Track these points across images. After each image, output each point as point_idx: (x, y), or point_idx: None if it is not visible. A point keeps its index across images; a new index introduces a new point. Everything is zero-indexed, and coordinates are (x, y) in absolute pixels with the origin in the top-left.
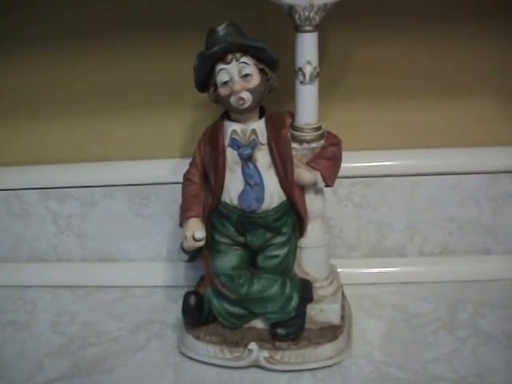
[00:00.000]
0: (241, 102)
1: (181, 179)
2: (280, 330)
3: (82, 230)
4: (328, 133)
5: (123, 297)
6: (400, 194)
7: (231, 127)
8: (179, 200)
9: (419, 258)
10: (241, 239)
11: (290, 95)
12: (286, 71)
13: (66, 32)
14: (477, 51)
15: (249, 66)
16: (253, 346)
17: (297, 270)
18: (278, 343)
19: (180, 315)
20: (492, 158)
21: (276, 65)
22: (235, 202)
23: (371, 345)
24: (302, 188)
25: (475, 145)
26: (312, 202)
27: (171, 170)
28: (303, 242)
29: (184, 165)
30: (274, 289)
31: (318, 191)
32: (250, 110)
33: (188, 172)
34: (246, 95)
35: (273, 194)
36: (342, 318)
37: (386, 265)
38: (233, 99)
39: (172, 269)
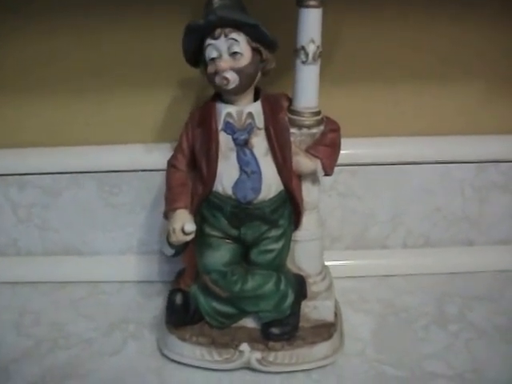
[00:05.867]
0: (225, 82)
1: (155, 166)
2: (274, 330)
3: (45, 221)
4: (327, 118)
5: (91, 293)
6: (386, 183)
7: (225, 110)
8: (153, 188)
9: (402, 250)
10: (234, 232)
11: (283, 76)
12: (281, 50)
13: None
14: (462, 37)
15: (238, 43)
16: (244, 346)
17: (289, 265)
18: (271, 343)
19: (156, 313)
20: (479, 146)
21: (273, 45)
22: (229, 191)
23: (363, 342)
24: (299, 177)
25: (462, 133)
26: (309, 192)
27: (145, 155)
28: (298, 234)
29: (159, 150)
30: (269, 286)
31: (315, 180)
32: (236, 92)
33: (173, 158)
34: (232, 75)
35: (270, 183)
36: (335, 314)
37: (368, 257)
38: (217, 78)
39: (144, 262)
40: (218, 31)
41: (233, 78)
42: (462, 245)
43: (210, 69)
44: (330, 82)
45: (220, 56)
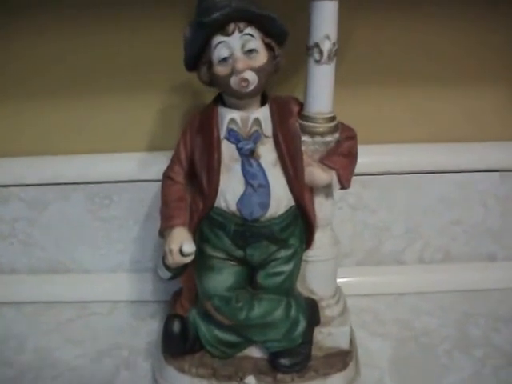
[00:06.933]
0: (243, 84)
1: (149, 176)
2: (283, 361)
3: (30, 237)
4: (342, 124)
5: (80, 315)
6: (400, 193)
7: (229, 115)
8: (147, 201)
9: (419, 266)
10: (239, 253)
11: (291, 78)
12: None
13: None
14: (482, 42)
15: (254, 39)
16: (250, 379)
17: (300, 288)
18: (280, 375)
19: (151, 338)
20: (503, 154)
21: (286, 39)
22: (233, 208)
23: (381, 370)
24: (311, 190)
25: (485, 139)
26: (322, 207)
27: (137, 165)
28: (310, 254)
29: (152, 159)
30: (278, 312)
31: (329, 194)
32: (253, 94)
33: (170, 169)
34: (251, 76)
35: (280, 198)
36: (350, 341)
37: (382, 273)
38: (234, 80)
39: (137, 281)
40: (231, 26)
41: (252, 79)
42: (484, 260)
43: (222, 70)
44: (338, 84)
45: (232, 55)
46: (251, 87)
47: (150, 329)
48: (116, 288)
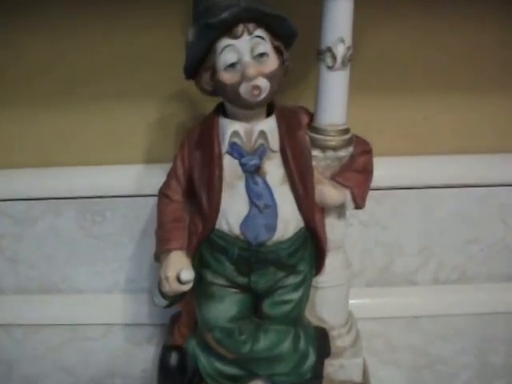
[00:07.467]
0: (255, 92)
1: (145, 190)
2: None
3: (18, 254)
4: (356, 137)
5: (72, 339)
6: (414, 209)
7: (231, 127)
8: (142, 217)
9: (433, 287)
10: (242, 280)
11: (298, 85)
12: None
13: None
14: (505, 47)
15: (264, 41)
16: None
17: (309, 316)
18: None
19: (147, 365)
20: None
21: (294, 41)
22: (236, 230)
23: None
24: (322, 210)
25: (503, 151)
26: (333, 229)
27: (132, 178)
28: (320, 280)
29: (148, 173)
30: (285, 345)
31: (341, 214)
32: (264, 103)
33: (166, 186)
34: (263, 83)
35: (288, 220)
36: (363, 371)
37: (394, 295)
38: (244, 88)
39: (132, 302)
40: (240, 28)
41: (264, 86)
42: (503, 280)
43: (229, 78)
44: (352, 91)
45: (239, 60)
46: (263, 95)
47: (146, 355)
48: (110, 310)
